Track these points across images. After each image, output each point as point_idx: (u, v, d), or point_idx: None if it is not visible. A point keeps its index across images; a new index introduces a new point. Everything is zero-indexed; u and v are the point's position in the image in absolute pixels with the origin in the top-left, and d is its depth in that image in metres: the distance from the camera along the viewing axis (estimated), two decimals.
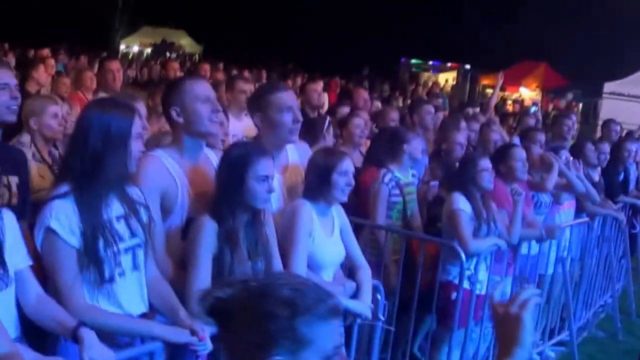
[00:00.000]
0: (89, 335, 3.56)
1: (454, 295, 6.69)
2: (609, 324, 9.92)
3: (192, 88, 4.52)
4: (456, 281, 6.68)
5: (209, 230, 4.25)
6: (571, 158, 8.47)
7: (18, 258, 3.70)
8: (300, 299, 2.19)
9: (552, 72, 31.61)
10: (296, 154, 5.34)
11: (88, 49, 27.25)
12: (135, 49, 43.61)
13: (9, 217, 3.72)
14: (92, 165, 3.82)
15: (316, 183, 5.10)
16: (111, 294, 3.93)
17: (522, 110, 24.90)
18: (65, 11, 41.29)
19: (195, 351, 3.92)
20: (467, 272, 6.61)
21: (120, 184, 4.02)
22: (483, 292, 6.81)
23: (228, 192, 4.32)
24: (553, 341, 8.73)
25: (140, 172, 4.24)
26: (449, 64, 39.77)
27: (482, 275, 6.78)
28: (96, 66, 19.43)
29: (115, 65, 9.05)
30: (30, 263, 3.76)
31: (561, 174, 8.09)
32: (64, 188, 3.84)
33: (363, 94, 10.51)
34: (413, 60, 41.02)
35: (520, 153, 7.47)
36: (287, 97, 5.08)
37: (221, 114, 4.91)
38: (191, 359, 4.02)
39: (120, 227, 3.98)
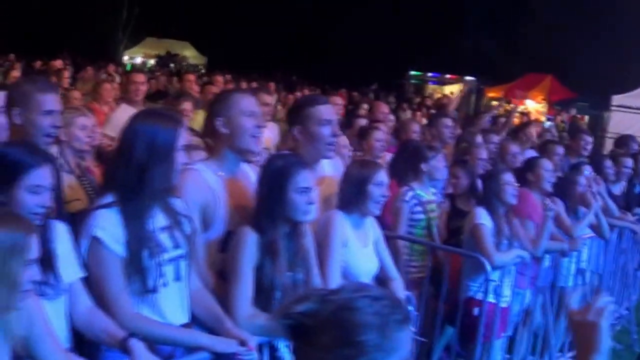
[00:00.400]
0: (138, 346, 3.60)
1: (476, 311, 6.70)
2: (626, 336, 9.91)
3: (239, 101, 4.56)
4: (478, 296, 6.70)
5: (250, 242, 4.28)
6: (594, 174, 8.50)
7: (70, 270, 3.73)
8: (384, 308, 2.22)
9: (558, 85, 31.59)
10: (330, 167, 5.37)
11: (91, 60, 27.26)
12: (139, 60, 43.72)
13: (62, 228, 3.76)
14: (137, 176, 3.86)
15: (351, 194, 5.14)
16: (154, 304, 3.97)
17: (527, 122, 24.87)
18: (69, 22, 41.41)
19: None
20: (493, 284, 6.62)
21: (164, 195, 4.05)
22: (507, 305, 6.84)
23: (269, 203, 4.34)
24: (571, 354, 8.73)
25: (182, 185, 4.28)
26: (447, 76, 39.81)
27: (507, 288, 6.79)
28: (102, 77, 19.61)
29: (140, 77, 9.08)
30: (82, 275, 3.79)
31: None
32: (109, 198, 3.89)
33: (383, 107, 10.55)
34: (412, 72, 41.07)
35: (548, 164, 7.54)
36: (327, 111, 5.10)
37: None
38: None
39: (164, 238, 4.01)
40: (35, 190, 3.53)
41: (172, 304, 4.06)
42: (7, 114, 4.33)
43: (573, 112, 28.28)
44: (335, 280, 4.83)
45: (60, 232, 3.73)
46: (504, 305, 6.78)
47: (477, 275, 6.63)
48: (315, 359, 2.24)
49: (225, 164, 4.58)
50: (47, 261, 3.56)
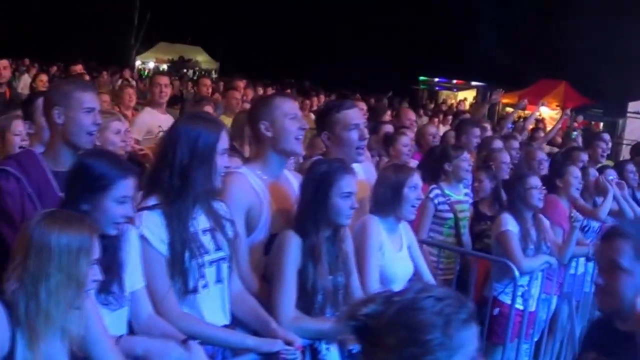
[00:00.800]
0: (197, 349, 3.64)
1: (496, 311, 6.74)
2: None
3: (282, 104, 4.61)
4: (500, 297, 6.74)
5: (294, 245, 4.33)
6: (617, 179, 8.51)
7: (135, 278, 3.81)
8: (448, 307, 2.26)
9: (572, 91, 31.54)
10: (361, 171, 5.39)
11: (102, 65, 27.29)
12: (151, 65, 43.75)
13: (134, 237, 3.83)
14: (180, 178, 3.93)
15: (387, 198, 5.18)
16: (194, 305, 4.02)
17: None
18: (81, 26, 41.52)
19: None
20: (521, 290, 6.66)
21: (207, 198, 4.10)
22: (533, 310, 6.87)
23: (312, 207, 4.40)
24: None
25: (227, 188, 4.34)
26: (454, 81, 39.73)
27: (535, 293, 6.82)
28: (118, 82, 19.65)
29: (164, 80, 9.11)
30: (145, 283, 3.85)
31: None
32: (152, 200, 3.96)
33: (409, 113, 10.59)
34: (421, 78, 41.01)
35: (577, 171, 7.57)
36: (354, 115, 5.15)
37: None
38: None
39: (206, 240, 4.07)
40: (121, 200, 3.62)
41: (212, 305, 4.11)
42: (48, 115, 4.37)
43: (580, 119, 28.17)
44: (374, 285, 4.88)
45: (133, 240, 3.81)
46: (530, 309, 6.81)
47: (505, 279, 6.66)
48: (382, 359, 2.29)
49: (268, 168, 4.64)
50: (113, 270, 3.64)
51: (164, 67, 42.39)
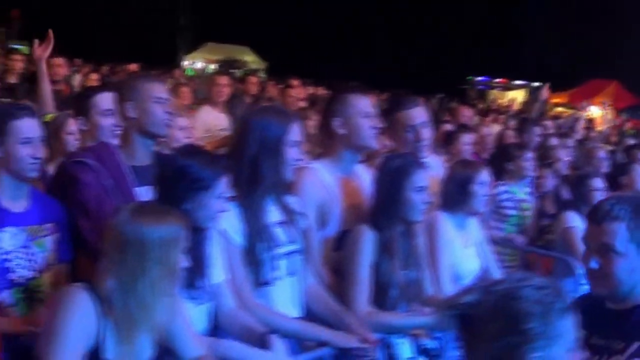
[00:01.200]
0: (276, 343, 3.67)
1: None
2: None
3: (356, 102, 4.63)
4: None
5: (368, 240, 4.35)
6: None
7: (218, 271, 3.85)
8: (547, 296, 2.27)
9: (623, 91, 31.18)
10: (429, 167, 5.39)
11: (149, 65, 27.38)
12: (199, 65, 43.87)
13: (215, 230, 3.86)
14: (250, 170, 3.97)
15: (455, 194, 5.18)
16: (267, 297, 4.06)
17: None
18: (128, 26, 41.82)
19: (362, 357, 3.98)
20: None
21: (279, 191, 4.14)
22: None
23: (386, 202, 4.41)
24: None
25: (298, 183, 4.37)
26: (496, 80, 39.43)
27: None
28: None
29: (223, 80, 9.19)
30: (227, 277, 3.89)
31: None
32: None
33: (467, 112, 10.58)
34: (469, 77, 40.76)
35: None
36: (418, 114, 5.15)
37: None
38: None
39: (279, 232, 4.11)
40: (221, 196, 3.67)
41: (285, 298, 4.15)
42: (121, 111, 4.40)
43: (624, 117, 27.78)
44: (446, 281, 4.88)
45: (214, 233, 3.85)
46: None
47: (567, 277, 6.62)
48: (482, 349, 2.30)
49: (341, 164, 4.66)
50: (199, 265, 3.69)
51: (212, 67, 42.47)
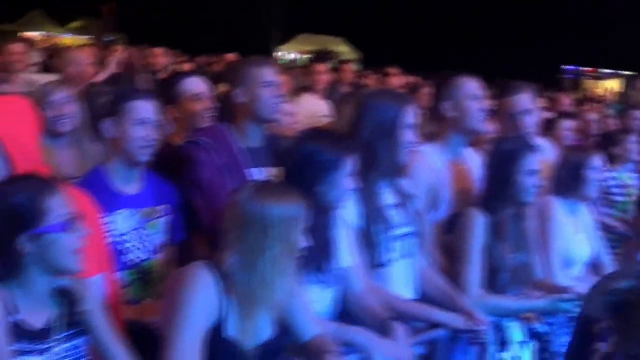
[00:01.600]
0: (399, 329, 3.68)
1: None
2: None
3: (466, 85, 4.64)
4: None
5: (479, 224, 4.34)
6: None
7: (346, 255, 3.86)
8: None
9: None
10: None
11: (244, 56, 27.46)
12: (292, 56, 44.02)
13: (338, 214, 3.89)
14: (366, 153, 3.94)
15: (568, 180, 5.11)
16: (382, 279, 4.06)
17: None
18: (222, 18, 42.17)
19: (475, 339, 3.98)
20: None
21: (393, 174, 4.14)
22: None
23: (497, 186, 4.39)
24: None
25: (410, 167, 4.35)
26: (583, 69, 38.72)
27: None
28: None
29: (322, 67, 9.24)
30: (355, 260, 3.90)
31: None
32: None
33: (565, 99, 10.47)
34: (564, 67, 40.13)
35: None
36: (525, 100, 5.11)
37: None
38: (464, 349, 4.09)
39: (394, 215, 4.11)
40: (350, 175, 3.68)
41: (400, 280, 4.15)
42: (232, 96, 4.41)
43: None
44: (556, 266, 4.83)
45: (339, 217, 3.86)
46: None
47: None
48: (637, 335, 2.26)
49: (450, 147, 4.65)
50: (326, 249, 3.71)
51: (305, 57, 42.54)
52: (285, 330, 3.34)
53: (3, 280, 2.87)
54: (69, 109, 4.92)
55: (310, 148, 3.65)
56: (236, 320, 3.15)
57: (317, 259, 3.57)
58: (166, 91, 5.04)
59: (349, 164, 3.64)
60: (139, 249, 3.94)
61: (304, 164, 3.63)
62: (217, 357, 3.10)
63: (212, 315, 3.10)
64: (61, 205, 2.89)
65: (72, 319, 3.01)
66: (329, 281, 3.75)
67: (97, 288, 3.28)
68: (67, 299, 3.01)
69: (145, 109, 3.94)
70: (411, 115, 4.10)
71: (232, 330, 3.14)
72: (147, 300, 3.93)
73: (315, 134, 3.83)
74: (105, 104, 4.14)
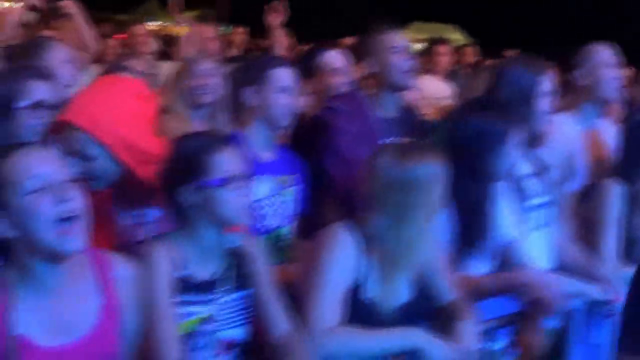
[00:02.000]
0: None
1: None
2: None
3: (599, 53, 4.63)
4: None
5: (616, 194, 4.27)
6: None
7: (509, 228, 3.84)
8: None
9: None
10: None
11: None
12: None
13: None
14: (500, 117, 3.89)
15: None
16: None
17: None
18: (334, 6, 42.28)
19: (610, 310, 3.92)
20: None
21: (530, 142, 4.06)
22: None
23: (634, 156, 4.33)
24: None
25: (547, 136, 4.29)
26: None
27: None
28: None
29: (442, 49, 9.41)
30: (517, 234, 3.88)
31: None
32: None
33: None
34: None
35: None
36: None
37: None
38: (599, 321, 4.03)
39: (531, 184, 4.07)
40: (517, 144, 3.70)
41: (538, 249, 4.08)
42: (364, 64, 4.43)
43: None
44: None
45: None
46: None
47: None
48: None
49: (583, 117, 4.60)
50: (487, 221, 3.70)
51: (419, 46, 42.34)
52: (424, 293, 3.34)
53: (174, 234, 3.01)
54: (213, 80, 5.02)
55: (476, 124, 3.65)
56: (375, 282, 3.18)
57: (478, 232, 3.58)
58: (305, 64, 4.99)
59: (515, 133, 3.64)
60: (273, 215, 3.99)
61: (473, 137, 3.63)
62: (355, 318, 3.12)
63: (352, 276, 3.13)
64: (228, 162, 2.99)
65: (239, 274, 3.10)
66: (487, 255, 3.73)
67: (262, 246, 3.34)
68: (236, 257, 3.11)
69: (287, 76, 4.00)
70: (548, 83, 4.07)
71: (371, 292, 3.17)
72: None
73: (475, 108, 3.82)
74: (245, 72, 4.20)
